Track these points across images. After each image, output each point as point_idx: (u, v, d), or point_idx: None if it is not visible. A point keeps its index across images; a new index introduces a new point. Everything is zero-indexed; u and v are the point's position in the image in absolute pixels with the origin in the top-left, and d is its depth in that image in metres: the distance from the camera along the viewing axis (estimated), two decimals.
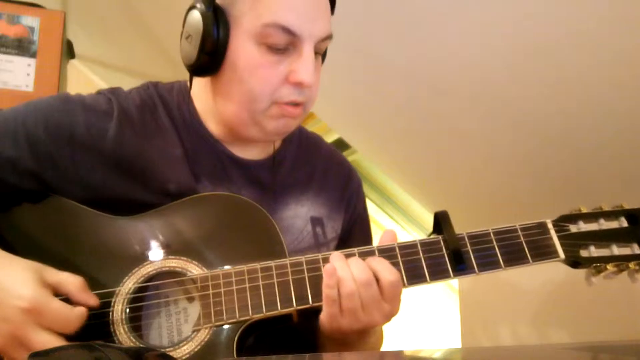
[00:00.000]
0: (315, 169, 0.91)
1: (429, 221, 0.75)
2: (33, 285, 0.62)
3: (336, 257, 0.70)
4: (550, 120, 1.17)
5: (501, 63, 1.13)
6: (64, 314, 0.62)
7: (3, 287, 0.61)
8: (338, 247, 0.73)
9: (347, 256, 0.70)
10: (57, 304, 0.62)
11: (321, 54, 0.78)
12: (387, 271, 0.68)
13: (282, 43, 0.72)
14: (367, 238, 0.96)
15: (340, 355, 0.75)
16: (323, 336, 0.74)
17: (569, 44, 1.00)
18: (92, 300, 0.67)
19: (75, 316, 0.63)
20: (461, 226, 0.73)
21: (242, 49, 0.73)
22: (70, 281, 0.66)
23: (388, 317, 0.70)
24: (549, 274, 1.35)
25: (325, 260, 0.70)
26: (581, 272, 0.75)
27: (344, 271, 0.67)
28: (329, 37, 0.76)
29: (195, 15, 0.73)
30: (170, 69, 2.00)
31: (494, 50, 1.11)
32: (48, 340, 0.61)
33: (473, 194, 1.57)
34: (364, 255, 0.71)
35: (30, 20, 1.54)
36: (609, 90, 1.03)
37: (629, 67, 0.97)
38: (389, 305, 0.69)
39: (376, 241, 0.74)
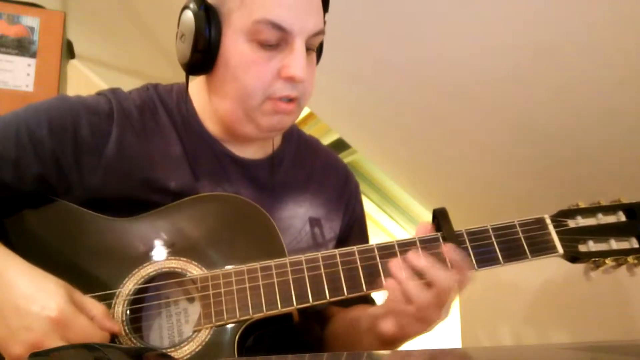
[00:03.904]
0: (314, 170, 0.91)
1: (428, 221, 0.75)
2: (63, 299, 0.62)
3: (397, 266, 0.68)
4: (550, 120, 1.17)
5: (501, 63, 1.13)
6: (90, 331, 0.62)
7: (32, 297, 0.61)
8: (336, 248, 0.73)
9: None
10: (85, 320, 0.62)
11: (314, 49, 0.78)
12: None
13: (273, 39, 0.72)
14: (364, 239, 0.96)
15: (340, 356, 0.75)
16: (369, 337, 0.73)
17: (570, 44, 1.00)
18: (116, 327, 0.66)
19: (99, 337, 0.63)
20: (461, 225, 0.73)
21: (234, 46, 0.73)
22: (96, 306, 0.65)
23: (448, 310, 0.70)
24: (549, 274, 1.35)
25: (325, 259, 0.70)
26: (581, 272, 0.75)
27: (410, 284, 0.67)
28: (320, 33, 0.76)
29: (188, 15, 0.74)
30: (170, 69, 2.00)
31: (495, 50, 1.11)
32: None
33: (473, 194, 1.57)
34: (363, 253, 0.71)
35: (30, 20, 1.55)
36: (609, 90, 1.03)
37: (629, 66, 0.97)
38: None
39: (374, 241, 0.74)
